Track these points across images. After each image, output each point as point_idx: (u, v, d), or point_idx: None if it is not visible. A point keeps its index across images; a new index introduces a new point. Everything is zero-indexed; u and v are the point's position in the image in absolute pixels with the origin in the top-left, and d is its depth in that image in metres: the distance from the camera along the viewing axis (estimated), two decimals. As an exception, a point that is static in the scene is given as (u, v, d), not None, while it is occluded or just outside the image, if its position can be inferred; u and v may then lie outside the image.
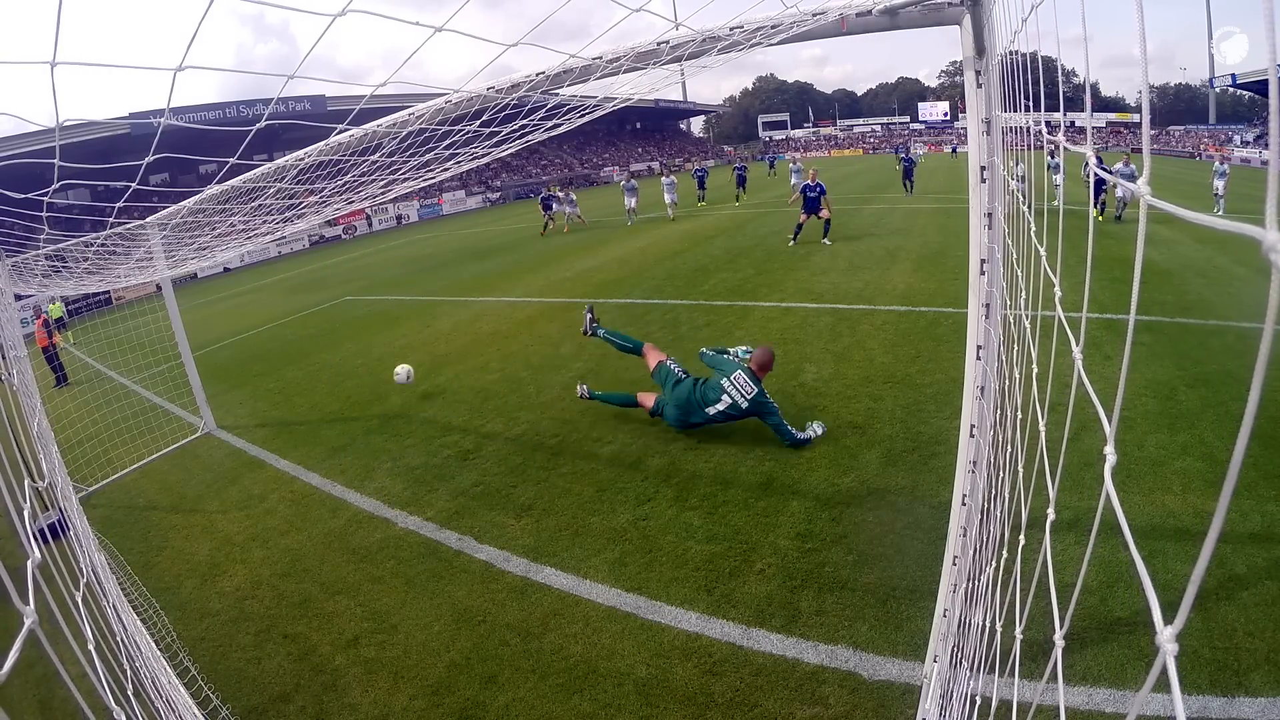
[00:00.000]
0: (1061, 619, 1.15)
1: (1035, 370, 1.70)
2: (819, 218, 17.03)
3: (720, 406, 6.44)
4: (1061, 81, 1.67)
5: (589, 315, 8.01)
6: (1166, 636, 0.69)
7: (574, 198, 29.32)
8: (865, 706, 3.53)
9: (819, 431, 6.44)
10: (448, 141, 4.60)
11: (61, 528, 5.53)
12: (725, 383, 6.43)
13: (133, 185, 3.75)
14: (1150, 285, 10.43)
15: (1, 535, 6.11)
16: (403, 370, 9.30)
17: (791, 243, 17.13)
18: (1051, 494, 1.33)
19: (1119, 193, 16.72)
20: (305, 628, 4.82)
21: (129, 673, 2.56)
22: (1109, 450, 0.94)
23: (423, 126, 4.43)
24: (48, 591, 1.53)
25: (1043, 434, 1.49)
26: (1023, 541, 1.62)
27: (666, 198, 26.82)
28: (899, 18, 2.99)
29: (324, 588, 5.26)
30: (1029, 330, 1.88)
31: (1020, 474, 1.81)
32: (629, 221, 26.50)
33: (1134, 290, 0.90)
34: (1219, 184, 19.67)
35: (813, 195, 17.00)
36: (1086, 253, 1.41)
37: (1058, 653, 1.12)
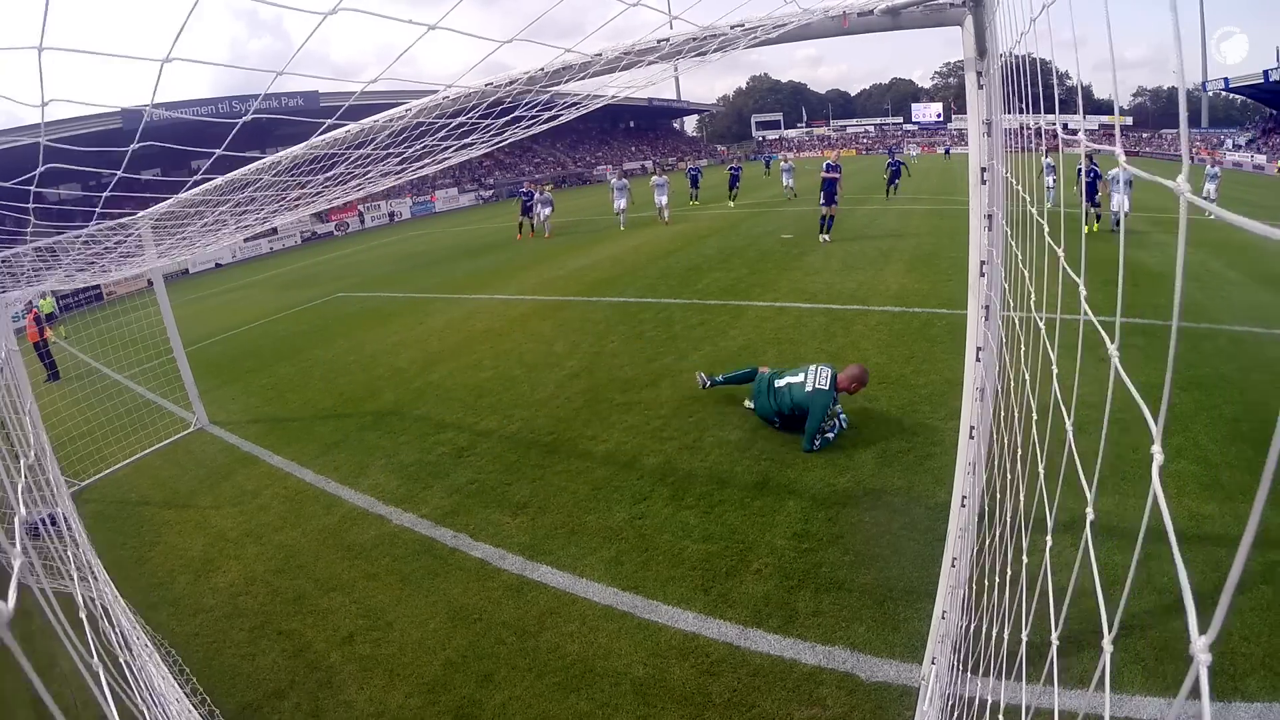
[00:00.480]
0: (1110, 623, 1.15)
1: (1055, 370, 1.69)
2: (834, 203, 17.23)
3: (791, 379, 6.54)
4: (1079, 83, 1.67)
5: (702, 376, 7.85)
6: (1200, 646, 0.66)
7: (550, 197, 26.38)
8: (863, 707, 3.53)
9: (836, 429, 6.47)
10: (442, 133, 4.57)
11: (52, 521, 5.48)
12: (812, 367, 6.53)
13: (118, 173, 3.71)
14: (1144, 288, 10.49)
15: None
16: None
17: (824, 238, 17.24)
18: (1089, 495, 1.32)
19: (1114, 205, 16.28)
20: (300, 624, 4.80)
21: (124, 666, 2.53)
22: (1156, 449, 0.92)
23: (419, 120, 4.41)
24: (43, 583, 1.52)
25: (1069, 433, 1.49)
26: (1050, 542, 1.62)
27: (658, 199, 24.48)
28: (901, 18, 2.98)
29: (318, 584, 5.24)
30: (1044, 332, 1.88)
31: (1043, 473, 1.80)
32: (620, 224, 24.68)
33: (1177, 293, 0.89)
34: (1210, 187, 19.56)
35: (834, 175, 17.35)
36: (1118, 256, 1.41)
37: (1105, 660, 1.12)
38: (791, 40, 3.39)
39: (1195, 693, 0.71)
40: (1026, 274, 2.18)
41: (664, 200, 24.50)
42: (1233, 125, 65.85)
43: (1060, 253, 1.57)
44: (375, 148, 4.80)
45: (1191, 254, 13.00)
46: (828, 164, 17.53)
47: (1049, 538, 1.63)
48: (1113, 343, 1.15)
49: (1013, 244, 2.71)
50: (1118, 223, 16.34)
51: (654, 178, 25.35)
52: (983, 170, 2.92)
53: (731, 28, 3.25)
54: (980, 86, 2.88)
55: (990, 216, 2.94)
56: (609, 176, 24.26)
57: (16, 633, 1.11)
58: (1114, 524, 4.59)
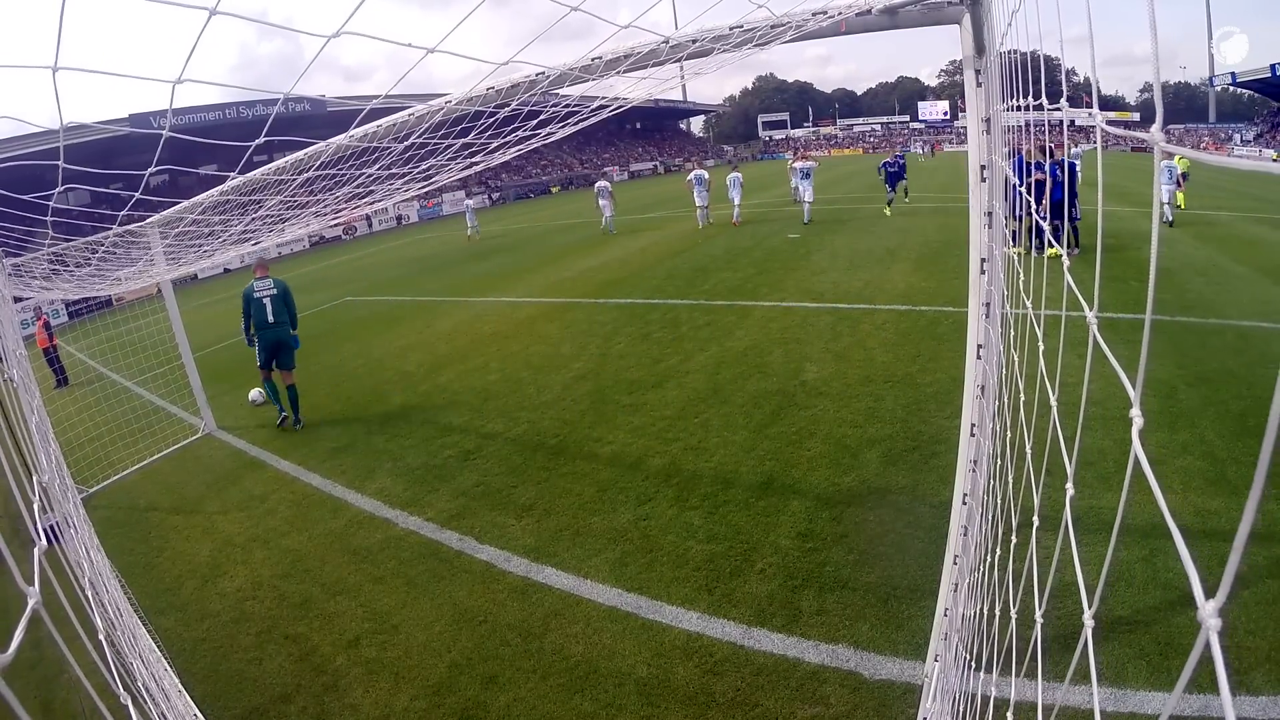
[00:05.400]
0: (1090, 599, 1.14)
1: (1043, 348, 1.70)
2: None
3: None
4: (1063, 79, 1.67)
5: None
6: (1209, 611, 0.63)
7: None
8: (866, 706, 3.53)
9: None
10: (449, 140, 4.59)
11: (58, 531, 5.51)
12: None
13: (136, 195, 3.77)
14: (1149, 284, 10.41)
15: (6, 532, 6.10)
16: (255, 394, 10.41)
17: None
18: (1070, 469, 1.33)
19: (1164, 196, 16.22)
20: (306, 628, 4.82)
21: (133, 667, 2.55)
22: (1135, 412, 0.91)
23: (422, 129, 4.42)
24: (55, 581, 1.53)
25: (1054, 408, 1.50)
26: (1037, 523, 1.62)
27: (734, 195, 22.14)
28: (899, 17, 2.99)
29: (325, 588, 5.26)
30: (1034, 321, 1.88)
31: (1030, 456, 1.81)
32: (699, 222, 22.50)
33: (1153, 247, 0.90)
34: (1167, 191, 17.04)
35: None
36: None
37: (1086, 633, 1.11)
38: (791, 42, 3.40)
39: (1193, 686, 0.68)
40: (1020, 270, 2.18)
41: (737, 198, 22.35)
42: (1240, 120, 65.55)
43: (1063, 252, 1.57)
44: (382, 156, 4.83)
45: (1198, 249, 12.94)
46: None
47: (1035, 526, 1.63)
48: (1091, 310, 1.15)
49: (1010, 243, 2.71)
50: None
51: (730, 174, 22.52)
52: (982, 168, 2.92)
53: (731, 29, 3.26)
54: (979, 84, 2.88)
55: (990, 214, 2.94)
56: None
57: (27, 639, 1.12)
58: (1111, 520, 4.56)
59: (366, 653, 4.46)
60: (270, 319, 9.04)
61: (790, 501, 5.51)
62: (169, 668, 4.31)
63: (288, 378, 9.12)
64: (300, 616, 4.97)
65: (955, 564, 3.27)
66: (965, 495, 3.18)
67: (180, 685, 4.15)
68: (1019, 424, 1.99)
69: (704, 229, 22.04)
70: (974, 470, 3.11)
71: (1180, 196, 17.95)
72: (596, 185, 26.23)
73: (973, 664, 2.45)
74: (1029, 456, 1.81)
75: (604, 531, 5.46)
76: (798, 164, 21.99)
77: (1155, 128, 0.82)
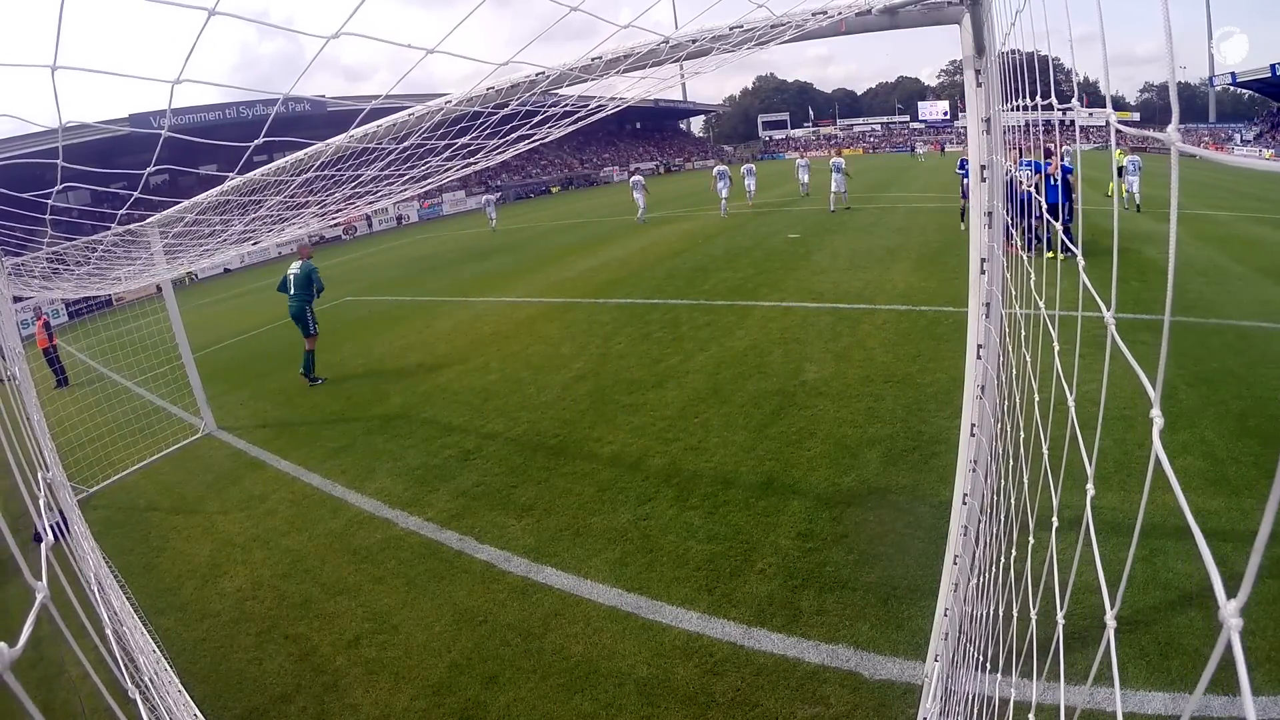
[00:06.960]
0: (1112, 599, 1.14)
1: (1058, 349, 1.70)
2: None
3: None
4: (1075, 80, 1.67)
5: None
6: (1230, 611, 0.62)
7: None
8: (866, 706, 3.53)
9: None
10: (449, 140, 4.59)
11: (64, 527, 5.51)
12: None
13: (135, 194, 3.77)
14: (1150, 284, 10.42)
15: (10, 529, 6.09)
16: None
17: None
18: (1089, 470, 1.32)
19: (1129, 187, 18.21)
20: (306, 628, 4.82)
21: (139, 662, 2.56)
22: (1155, 413, 0.91)
23: (422, 130, 4.42)
24: (62, 576, 1.53)
25: (1072, 408, 1.49)
26: (1056, 524, 1.62)
27: (749, 183, 28.26)
28: (899, 17, 2.99)
29: (325, 588, 5.26)
30: (1049, 321, 1.88)
31: (1047, 456, 1.81)
32: (722, 212, 25.73)
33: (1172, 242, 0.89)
34: (1133, 181, 18.67)
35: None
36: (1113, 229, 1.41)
37: (1109, 633, 1.11)
38: (791, 42, 3.39)
39: (1191, 686, 0.68)
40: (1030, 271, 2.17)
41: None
42: (1240, 119, 65.58)
43: (1077, 252, 1.57)
44: (382, 156, 4.82)
45: (1199, 249, 12.95)
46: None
47: (1052, 529, 1.63)
48: (1109, 310, 1.15)
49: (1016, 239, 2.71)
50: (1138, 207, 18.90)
51: (744, 167, 29.43)
52: (983, 168, 2.92)
53: (731, 29, 3.26)
54: (979, 84, 2.88)
55: (990, 214, 2.94)
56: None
57: (28, 639, 1.12)
58: (1120, 520, 4.57)
59: (366, 653, 4.46)
60: (290, 291, 10.96)
61: (790, 501, 5.51)
62: (169, 668, 4.32)
63: (308, 344, 11.03)
64: (300, 616, 4.97)
65: (955, 564, 3.27)
66: (965, 495, 3.17)
67: (180, 685, 4.15)
68: (1033, 424, 1.98)
69: (724, 218, 24.70)
70: (974, 470, 3.11)
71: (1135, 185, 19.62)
72: (631, 180, 29.65)
73: (987, 665, 2.45)
74: (1045, 457, 1.80)
75: (604, 531, 5.46)
76: (833, 159, 25.81)
77: (1171, 127, 0.82)
